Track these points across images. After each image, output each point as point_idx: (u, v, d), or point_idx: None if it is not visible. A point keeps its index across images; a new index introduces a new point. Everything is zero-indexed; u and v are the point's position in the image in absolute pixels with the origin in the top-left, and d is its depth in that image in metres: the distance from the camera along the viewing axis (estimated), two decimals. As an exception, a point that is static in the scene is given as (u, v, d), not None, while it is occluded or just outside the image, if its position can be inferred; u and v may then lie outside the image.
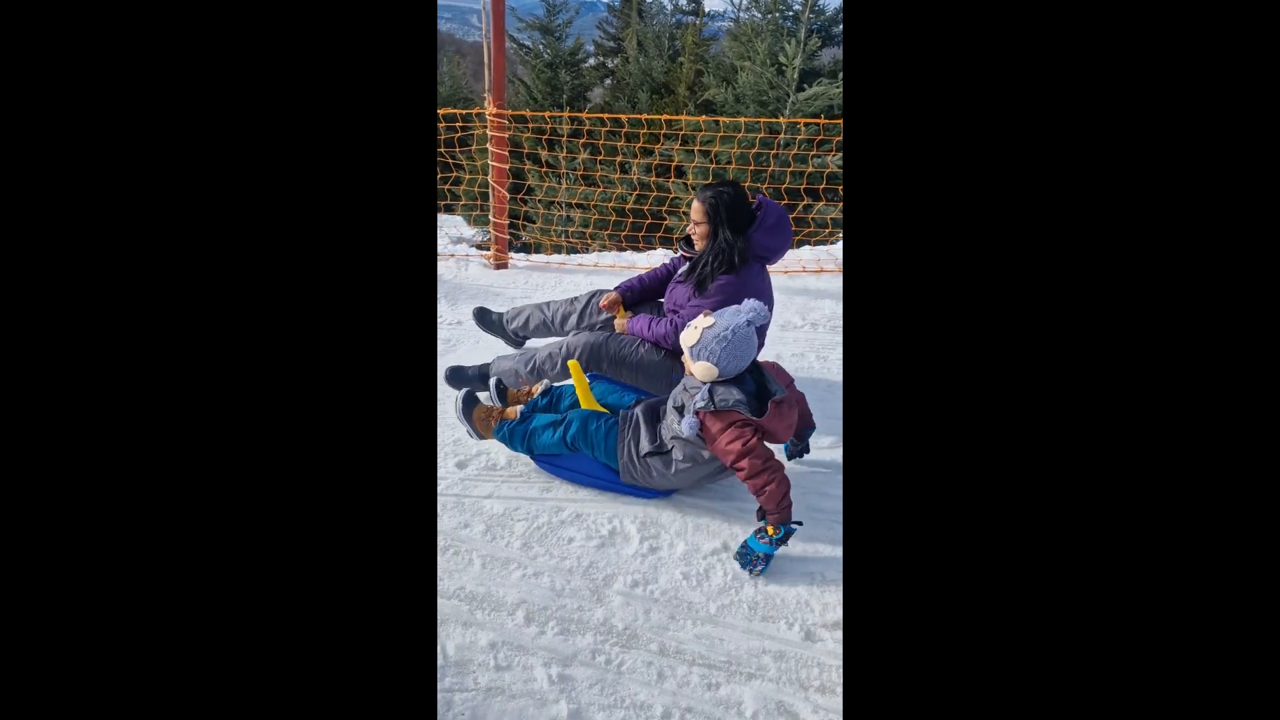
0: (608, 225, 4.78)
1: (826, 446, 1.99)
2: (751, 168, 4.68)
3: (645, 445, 1.64)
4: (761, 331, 2.03)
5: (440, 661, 1.26)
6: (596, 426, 1.68)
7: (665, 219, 4.77)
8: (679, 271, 2.14)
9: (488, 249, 3.66)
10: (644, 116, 3.65)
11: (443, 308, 2.91)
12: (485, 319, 2.35)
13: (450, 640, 1.31)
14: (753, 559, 1.50)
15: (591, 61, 8.65)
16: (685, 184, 5.21)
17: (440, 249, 3.89)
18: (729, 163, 4.83)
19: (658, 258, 3.70)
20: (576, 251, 4.48)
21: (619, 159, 4.89)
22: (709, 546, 1.58)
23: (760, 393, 1.59)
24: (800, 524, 1.51)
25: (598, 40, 9.10)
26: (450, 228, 5.40)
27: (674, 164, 5.32)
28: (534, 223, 5.32)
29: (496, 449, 1.88)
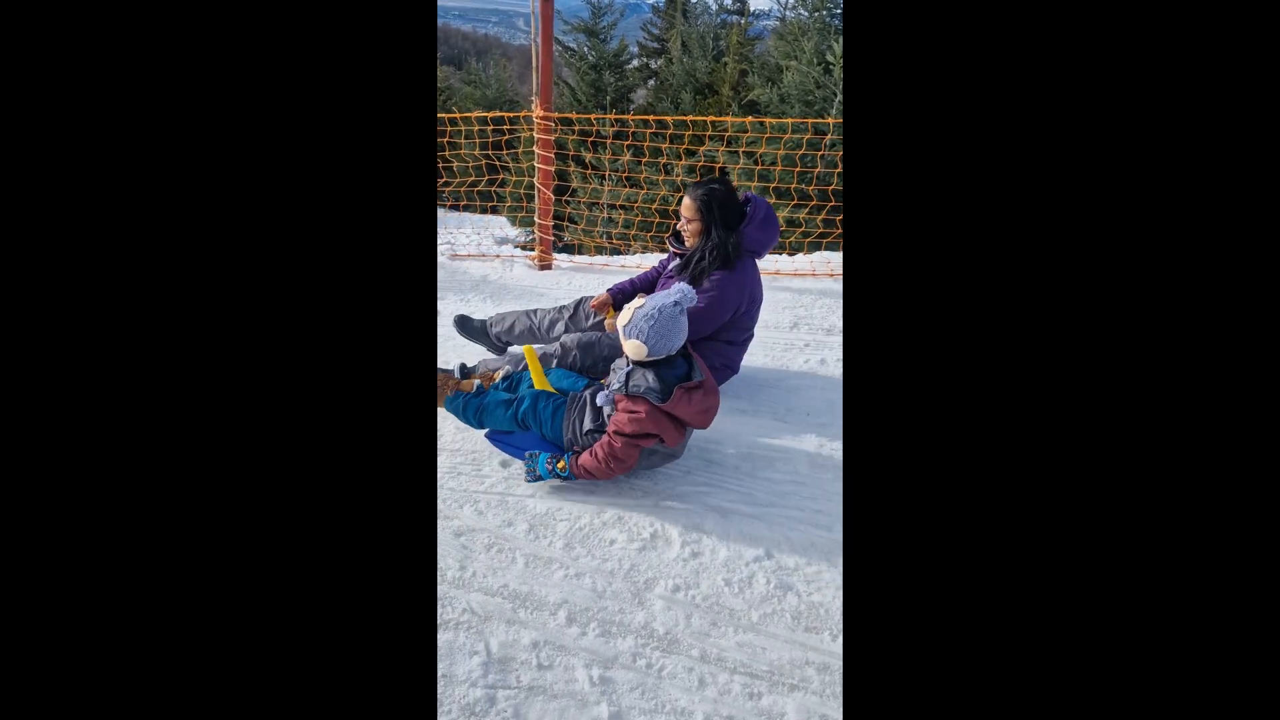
0: (650, 227, 4.78)
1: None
2: (797, 169, 4.62)
3: (588, 424, 1.72)
4: (748, 320, 2.06)
5: (484, 658, 1.28)
6: (545, 405, 1.77)
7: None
8: (669, 268, 2.17)
9: (532, 250, 3.70)
10: (689, 118, 3.64)
11: (487, 308, 2.95)
12: (467, 326, 2.36)
13: (494, 637, 1.32)
14: (531, 468, 1.72)
15: (635, 63, 8.68)
16: (728, 185, 5.17)
17: (485, 249, 3.96)
18: (774, 164, 4.77)
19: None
20: (619, 253, 4.49)
21: (664, 160, 4.89)
22: (751, 553, 1.56)
23: (687, 378, 1.65)
24: (577, 480, 1.72)
25: (641, 41, 9.12)
26: (495, 228, 5.50)
27: (718, 165, 5.29)
28: (577, 224, 5.37)
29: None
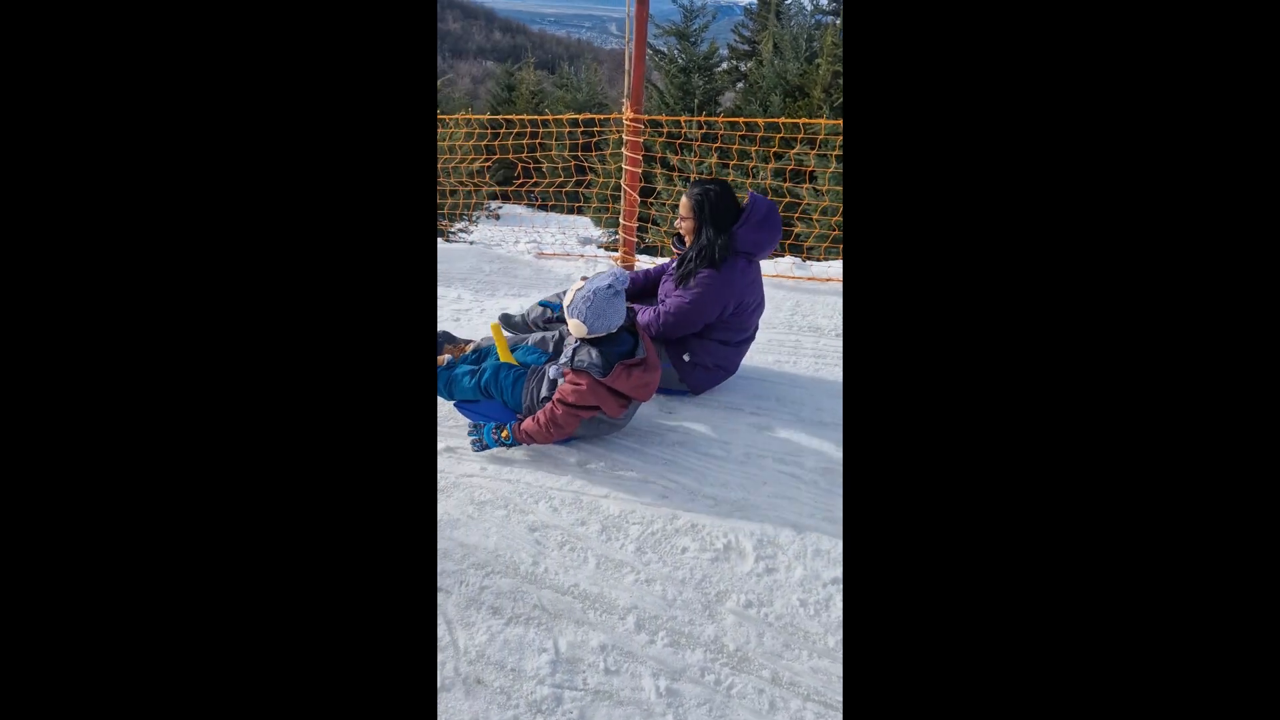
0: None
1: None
2: (891, 173, 4.41)
3: (544, 393, 1.87)
4: (740, 321, 2.12)
5: (552, 656, 1.28)
6: (506, 375, 1.93)
7: (796, 225, 4.61)
8: (671, 267, 2.27)
9: (614, 250, 3.73)
10: (780, 120, 3.55)
11: (570, 307, 2.99)
12: (510, 323, 2.47)
13: (563, 636, 1.32)
14: (477, 438, 1.85)
15: (724, 65, 8.61)
16: (816, 189, 5.01)
17: (570, 249, 4.03)
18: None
19: (785, 265, 3.59)
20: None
21: (752, 164, 4.80)
22: (829, 575, 1.49)
23: (631, 355, 1.79)
24: (520, 445, 1.85)
25: (732, 44, 9.04)
26: (580, 229, 5.59)
27: (808, 170, 5.15)
28: (660, 226, 5.37)
29: (618, 452, 1.90)
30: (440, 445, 1.91)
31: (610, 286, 1.76)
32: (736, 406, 2.18)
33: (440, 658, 1.27)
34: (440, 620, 1.35)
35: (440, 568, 1.47)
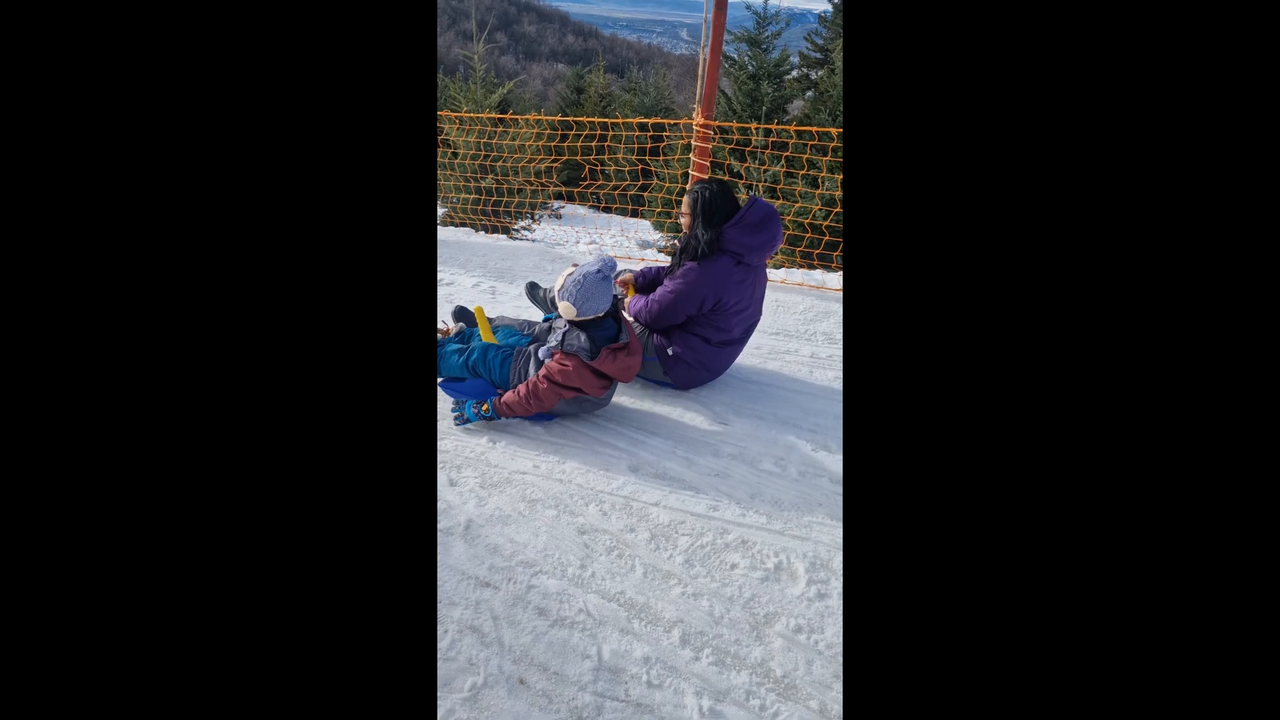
0: (801, 241, 4.62)
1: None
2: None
3: (531, 373, 1.98)
4: (725, 321, 2.15)
5: (595, 664, 1.27)
6: (494, 355, 2.06)
7: (861, 239, 4.48)
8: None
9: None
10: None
11: (628, 310, 2.99)
12: (534, 292, 2.58)
13: (607, 644, 1.31)
14: (460, 414, 1.97)
15: (795, 73, 8.47)
16: (886, 203, 4.84)
17: (627, 251, 4.04)
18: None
19: (849, 279, 3.49)
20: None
21: (822, 174, 4.70)
22: (886, 606, 1.42)
23: (615, 339, 1.90)
24: (503, 419, 1.96)
25: (804, 52, 8.90)
26: (640, 231, 5.60)
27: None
28: (720, 233, 5.31)
29: (670, 460, 1.88)
30: (487, 440, 1.93)
31: (599, 272, 1.84)
32: (794, 423, 2.13)
33: (485, 654, 1.28)
34: (487, 616, 1.36)
35: (489, 563, 1.48)
